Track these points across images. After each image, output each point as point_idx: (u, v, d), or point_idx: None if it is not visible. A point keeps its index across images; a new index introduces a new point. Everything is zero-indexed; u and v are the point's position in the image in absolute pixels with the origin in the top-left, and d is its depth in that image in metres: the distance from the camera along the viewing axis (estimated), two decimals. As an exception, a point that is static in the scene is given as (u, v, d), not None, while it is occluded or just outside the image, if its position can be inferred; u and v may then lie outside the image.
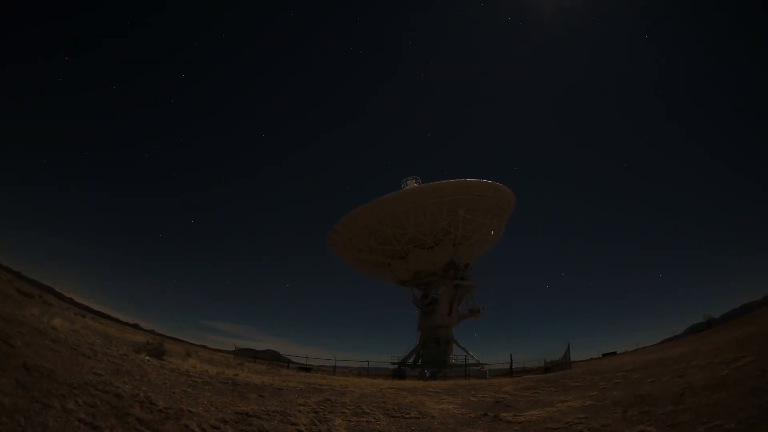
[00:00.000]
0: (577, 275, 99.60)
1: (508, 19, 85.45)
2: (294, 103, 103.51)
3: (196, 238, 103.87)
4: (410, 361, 31.52)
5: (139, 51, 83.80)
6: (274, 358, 35.03)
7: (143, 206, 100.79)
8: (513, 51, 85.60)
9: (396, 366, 31.10)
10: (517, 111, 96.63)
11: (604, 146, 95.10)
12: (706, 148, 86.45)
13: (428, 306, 33.18)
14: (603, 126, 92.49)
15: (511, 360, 26.91)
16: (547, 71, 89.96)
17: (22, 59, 73.65)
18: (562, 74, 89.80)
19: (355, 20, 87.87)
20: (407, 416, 7.39)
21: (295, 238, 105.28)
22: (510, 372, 25.84)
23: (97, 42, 79.89)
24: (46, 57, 78.20)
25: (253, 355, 33.35)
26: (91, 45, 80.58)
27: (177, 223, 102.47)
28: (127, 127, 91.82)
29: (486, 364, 29.37)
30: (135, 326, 47.87)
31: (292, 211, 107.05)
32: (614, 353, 32.35)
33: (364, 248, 33.29)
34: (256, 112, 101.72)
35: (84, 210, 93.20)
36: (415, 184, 31.79)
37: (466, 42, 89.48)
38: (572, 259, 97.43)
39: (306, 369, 29.14)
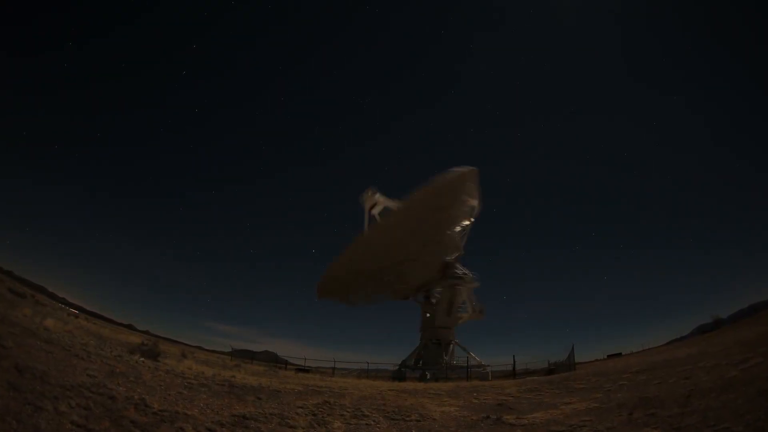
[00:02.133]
0: (582, 275, 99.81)
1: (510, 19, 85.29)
2: (293, 101, 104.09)
3: (192, 237, 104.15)
4: (410, 362, 31.56)
5: (136, 49, 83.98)
6: (272, 360, 35.13)
7: (138, 205, 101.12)
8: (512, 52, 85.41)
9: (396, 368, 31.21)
10: (521, 112, 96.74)
11: (610, 145, 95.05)
12: (714, 146, 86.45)
13: (430, 307, 33.19)
14: (609, 125, 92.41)
15: (514, 361, 26.98)
16: (550, 70, 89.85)
17: (20, 54, 73.83)
18: (566, 74, 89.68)
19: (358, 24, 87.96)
20: (408, 419, 7.39)
21: (293, 238, 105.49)
22: (513, 373, 25.89)
23: (100, 35, 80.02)
24: (46, 51, 78.46)
25: (250, 356, 33.44)
26: (92, 39, 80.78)
27: (172, 222, 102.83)
28: (125, 124, 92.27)
29: (488, 365, 29.44)
30: (129, 327, 47.83)
31: (290, 210, 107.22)
32: (619, 354, 32.31)
33: (359, 290, 32.84)
34: (256, 112, 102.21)
35: (77, 208, 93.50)
36: (379, 197, 30.49)
37: (465, 42, 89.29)
38: (577, 259, 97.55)
39: (304, 370, 29.21)
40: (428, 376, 25.72)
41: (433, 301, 33.44)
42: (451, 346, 30.86)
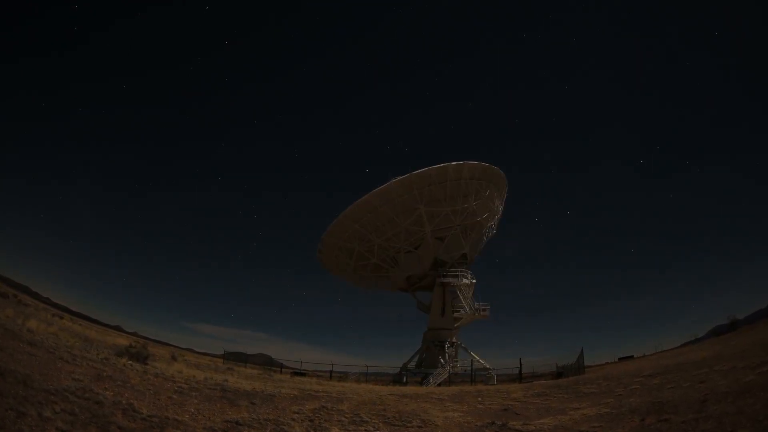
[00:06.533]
0: (591, 274, 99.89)
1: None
2: (285, 101, 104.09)
3: (183, 235, 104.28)
4: (411, 365, 31.71)
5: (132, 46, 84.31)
6: (266, 363, 35.28)
7: (127, 203, 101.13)
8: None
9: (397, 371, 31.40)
10: (533, 111, 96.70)
11: (619, 142, 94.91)
12: (729, 144, 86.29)
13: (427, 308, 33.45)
14: (618, 122, 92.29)
15: (521, 364, 27.04)
16: (557, 68, 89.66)
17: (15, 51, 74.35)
18: (576, 72, 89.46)
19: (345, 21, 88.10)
20: (409, 425, 7.43)
21: (290, 238, 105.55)
22: (519, 377, 26.00)
23: (93, 34, 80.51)
24: (38, 52, 78.99)
25: (244, 359, 33.57)
26: (88, 37, 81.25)
27: (163, 220, 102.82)
28: (114, 122, 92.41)
29: (492, 368, 29.57)
30: (117, 328, 48.18)
31: (287, 209, 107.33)
32: (631, 357, 32.49)
33: (353, 263, 33.42)
34: (246, 111, 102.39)
35: (64, 204, 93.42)
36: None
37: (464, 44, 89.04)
38: (586, 258, 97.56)
39: (300, 374, 29.34)
40: (432, 381, 25.82)
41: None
42: (447, 348, 30.83)
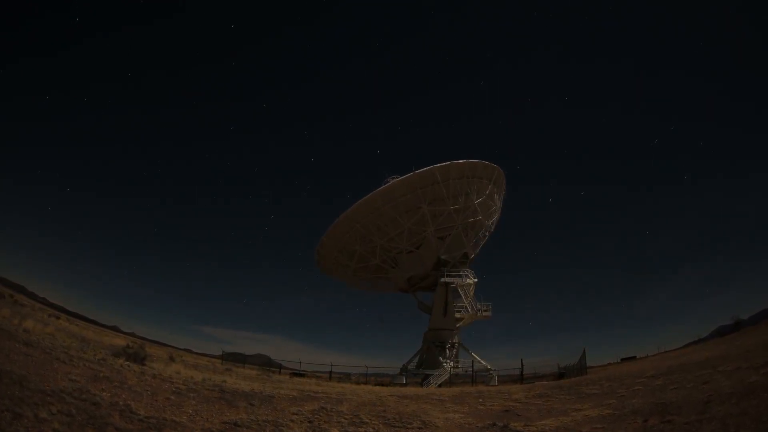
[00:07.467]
0: (594, 274, 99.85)
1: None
2: (285, 101, 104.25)
3: (182, 235, 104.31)
4: (412, 366, 31.78)
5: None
6: (265, 363, 35.39)
7: (126, 203, 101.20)
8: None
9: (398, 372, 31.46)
10: (536, 109, 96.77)
11: (623, 141, 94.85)
12: (732, 142, 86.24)
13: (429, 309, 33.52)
14: (623, 119, 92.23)
15: (522, 365, 27.08)
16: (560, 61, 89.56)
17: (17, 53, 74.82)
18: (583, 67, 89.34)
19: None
20: (409, 426, 7.43)
21: (290, 238, 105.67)
22: (521, 378, 26.03)
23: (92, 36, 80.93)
24: (38, 52, 79.48)
25: (242, 359, 33.66)
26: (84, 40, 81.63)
27: (162, 220, 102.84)
28: (114, 122, 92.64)
29: (494, 369, 29.63)
30: (114, 329, 48.24)
31: (287, 209, 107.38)
32: (634, 358, 32.58)
33: (354, 265, 33.39)
34: (246, 111, 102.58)
35: (59, 204, 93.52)
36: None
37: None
38: (588, 257, 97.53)
39: (299, 375, 29.40)
40: (432, 382, 25.87)
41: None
42: (448, 349, 30.87)
